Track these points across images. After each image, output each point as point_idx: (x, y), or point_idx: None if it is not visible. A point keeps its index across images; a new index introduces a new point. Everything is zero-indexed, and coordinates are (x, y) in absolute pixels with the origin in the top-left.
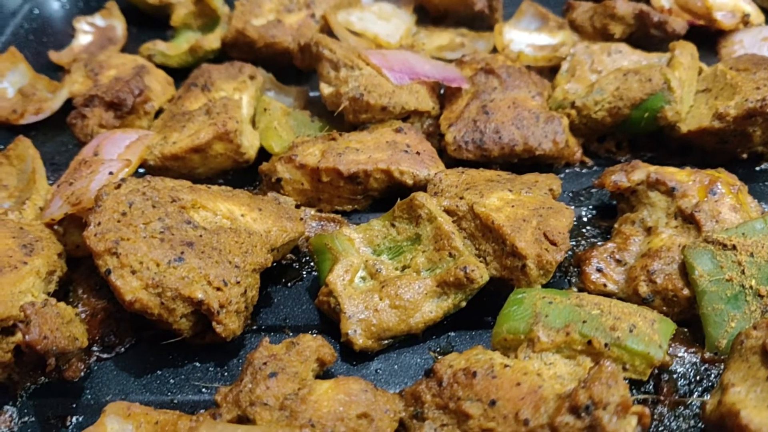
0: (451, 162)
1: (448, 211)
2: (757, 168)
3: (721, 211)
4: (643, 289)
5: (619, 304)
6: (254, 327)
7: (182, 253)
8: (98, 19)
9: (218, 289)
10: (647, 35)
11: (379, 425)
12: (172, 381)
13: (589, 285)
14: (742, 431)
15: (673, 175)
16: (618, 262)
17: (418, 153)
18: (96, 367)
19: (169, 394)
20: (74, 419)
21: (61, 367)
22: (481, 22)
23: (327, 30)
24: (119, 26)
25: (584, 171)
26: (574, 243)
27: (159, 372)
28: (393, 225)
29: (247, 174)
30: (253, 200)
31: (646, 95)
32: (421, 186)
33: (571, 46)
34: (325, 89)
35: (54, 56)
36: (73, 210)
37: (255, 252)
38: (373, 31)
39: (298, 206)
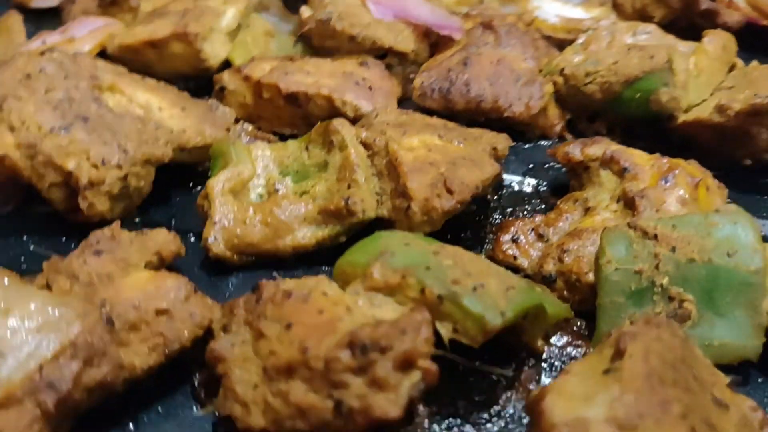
0: (416, 110)
1: (365, 144)
2: (761, 181)
3: (666, 201)
4: (549, 266)
5: (483, 263)
6: (136, 220)
7: (71, 124)
8: None
9: (95, 166)
10: (693, 24)
11: (177, 326)
12: (31, 248)
13: (499, 254)
14: (539, 417)
15: (632, 156)
16: (540, 237)
17: (370, 88)
18: None
19: (23, 259)
20: None
21: None
22: None
23: None
24: None
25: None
26: (510, 210)
27: (24, 238)
28: (307, 148)
29: (211, 83)
30: (180, 98)
31: (643, 73)
32: None
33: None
34: (305, 12)
35: None
36: None
37: (154, 144)
38: None
39: (237, 120)
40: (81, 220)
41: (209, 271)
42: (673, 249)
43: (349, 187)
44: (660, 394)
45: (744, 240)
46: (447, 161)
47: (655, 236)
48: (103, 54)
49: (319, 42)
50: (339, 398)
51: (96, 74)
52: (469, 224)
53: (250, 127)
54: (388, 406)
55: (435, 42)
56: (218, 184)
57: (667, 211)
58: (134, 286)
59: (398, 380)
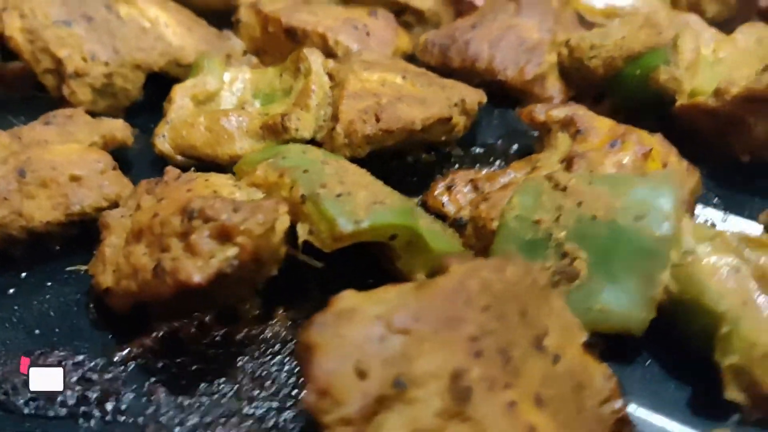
0: (418, 65)
1: (331, 75)
2: (757, 181)
3: (603, 164)
4: (464, 212)
5: (370, 182)
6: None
7: (75, 20)
8: None
9: (83, 59)
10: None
11: (84, 192)
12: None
13: (429, 198)
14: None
15: (591, 119)
16: (476, 189)
17: (368, 34)
18: None
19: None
20: None
21: None
22: None
23: None
24: None
25: None
26: (468, 167)
27: (22, 119)
28: (281, 75)
29: None
30: (191, 21)
31: (645, 48)
32: None
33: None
34: None
35: None
36: None
37: (148, 53)
38: None
39: (245, 53)
40: (67, 106)
41: (156, 169)
42: (580, 203)
43: (300, 110)
44: (457, 312)
45: (658, 205)
46: (394, 96)
47: (565, 188)
48: None
49: None
50: (159, 259)
51: None
52: (419, 172)
53: (254, 60)
54: (194, 271)
55: (463, 10)
56: (182, 88)
57: (601, 172)
58: (61, 153)
59: (211, 249)
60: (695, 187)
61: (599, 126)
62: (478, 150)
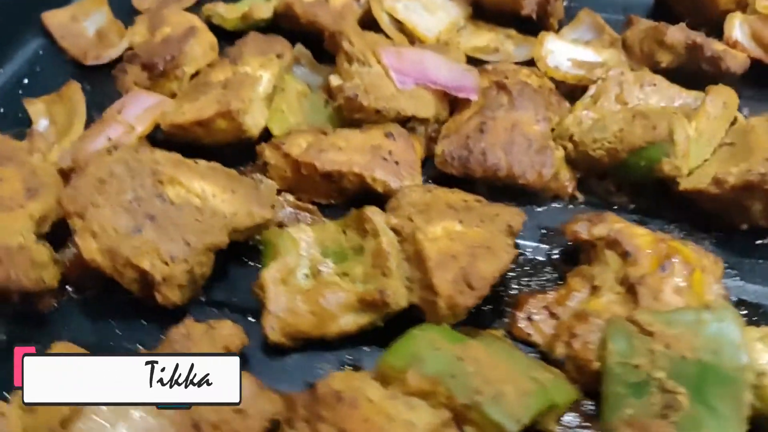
0: (437, 172)
1: (396, 230)
2: (758, 242)
3: (663, 290)
4: (560, 350)
5: (501, 367)
6: (202, 299)
7: (142, 225)
8: None
9: (165, 263)
10: (700, 70)
11: (249, 423)
12: (117, 331)
13: (515, 330)
14: None
15: (633, 238)
16: (552, 315)
17: (396, 162)
18: (65, 304)
19: (111, 342)
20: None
21: (33, 300)
22: (538, 25)
23: (369, 16)
24: None
25: (570, 207)
26: (526, 280)
27: (111, 321)
28: (344, 232)
29: (252, 148)
30: (230, 181)
31: (646, 143)
32: (391, 195)
33: (611, 68)
34: (334, 81)
35: (136, 1)
36: (72, 166)
37: (212, 232)
38: (414, 22)
39: (279, 191)
40: (156, 304)
41: (267, 351)
42: (668, 346)
43: (383, 274)
44: None
45: (729, 338)
46: (466, 252)
47: (651, 333)
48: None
49: (349, 114)
50: None
51: (157, 168)
52: (489, 297)
53: (291, 198)
54: None
55: (454, 98)
56: (269, 275)
57: (663, 300)
58: None
59: None
60: (721, 273)
61: (641, 244)
62: (522, 259)
